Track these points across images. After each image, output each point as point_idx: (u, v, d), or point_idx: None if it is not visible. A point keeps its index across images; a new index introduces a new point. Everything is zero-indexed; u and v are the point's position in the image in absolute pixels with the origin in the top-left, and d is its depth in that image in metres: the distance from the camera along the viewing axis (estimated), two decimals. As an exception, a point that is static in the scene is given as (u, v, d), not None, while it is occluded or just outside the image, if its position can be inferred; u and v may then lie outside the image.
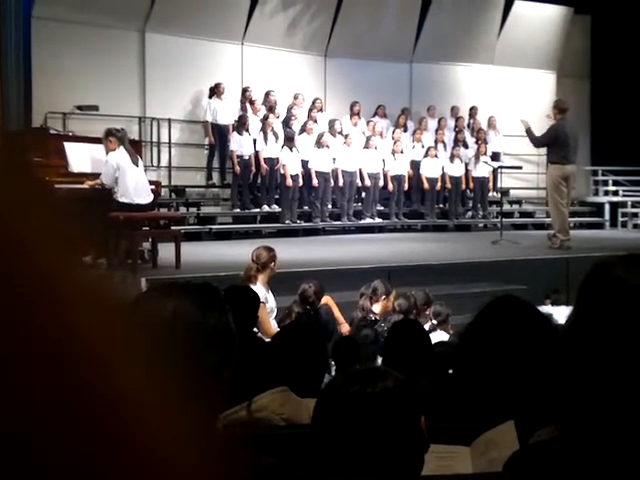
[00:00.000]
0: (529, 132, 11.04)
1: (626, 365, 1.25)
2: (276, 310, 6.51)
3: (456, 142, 14.53)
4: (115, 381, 0.40)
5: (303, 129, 12.99)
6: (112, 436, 0.39)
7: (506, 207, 14.83)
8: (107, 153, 8.22)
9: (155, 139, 12.82)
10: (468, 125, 15.23)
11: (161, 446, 0.41)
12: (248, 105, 12.88)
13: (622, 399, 1.25)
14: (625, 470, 1.23)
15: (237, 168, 12.37)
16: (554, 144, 10.66)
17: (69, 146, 8.79)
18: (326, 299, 6.46)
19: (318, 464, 1.59)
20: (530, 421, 1.51)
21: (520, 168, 13.92)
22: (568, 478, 1.28)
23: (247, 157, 12.43)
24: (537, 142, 11.19)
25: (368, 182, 13.37)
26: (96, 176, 8.28)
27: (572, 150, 10.62)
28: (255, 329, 5.17)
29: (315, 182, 12.77)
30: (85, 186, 8.15)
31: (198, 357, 1.42)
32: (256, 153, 12.50)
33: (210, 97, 12.81)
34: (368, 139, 13.41)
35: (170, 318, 1.49)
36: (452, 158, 14.29)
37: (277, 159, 12.55)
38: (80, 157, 8.74)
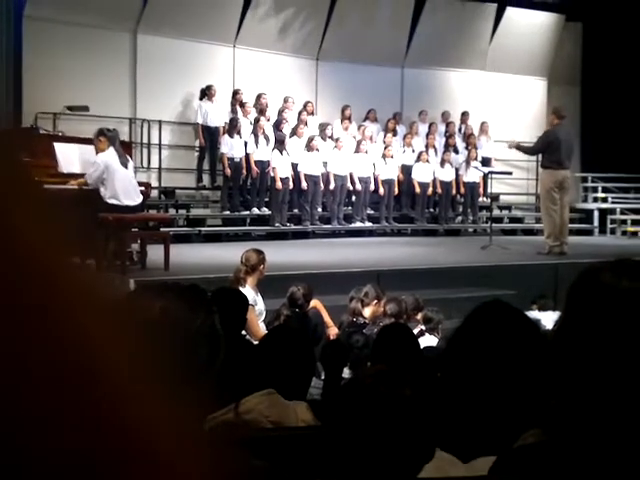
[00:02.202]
0: (520, 148, 11.12)
1: (614, 370, 1.25)
2: (265, 313, 6.50)
3: (447, 147, 14.57)
4: (108, 380, 0.40)
5: (294, 132, 13.00)
6: (105, 435, 0.39)
7: (496, 212, 14.88)
8: (97, 153, 8.20)
9: (145, 140, 12.81)
10: (459, 130, 15.27)
11: (152, 445, 0.41)
12: (238, 108, 12.88)
13: (609, 404, 1.25)
14: (610, 475, 1.23)
15: (227, 170, 12.37)
16: (547, 149, 10.71)
17: (59, 146, 8.75)
18: (315, 302, 6.46)
19: (325, 459, 1.59)
20: (515, 424, 1.51)
21: (510, 174, 13.97)
22: (554, 482, 1.28)
23: (238, 159, 12.43)
24: (532, 151, 11.27)
25: (359, 186, 13.39)
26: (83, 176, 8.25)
27: (565, 156, 10.66)
28: (244, 331, 5.16)
29: (304, 185, 12.79)
30: (74, 186, 8.11)
31: (185, 356, 1.41)
32: (247, 156, 12.50)
33: (201, 99, 12.80)
34: (359, 143, 13.43)
35: (157, 318, 1.49)
36: (443, 163, 14.33)
37: (268, 162, 12.55)
38: (70, 157, 8.71)
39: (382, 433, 1.54)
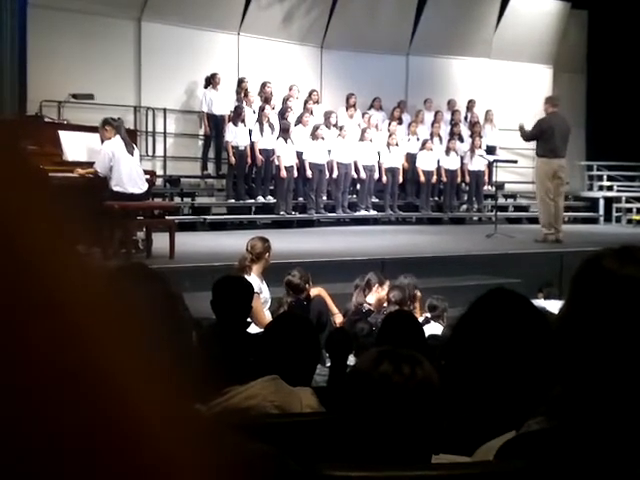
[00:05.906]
0: (521, 128, 11.11)
1: (617, 356, 1.26)
2: (270, 300, 6.51)
3: (452, 135, 14.53)
4: (112, 377, 0.40)
5: (299, 121, 12.98)
6: (108, 425, 0.39)
7: (501, 201, 14.83)
8: (102, 142, 8.20)
9: (150, 129, 12.80)
10: (465, 118, 15.22)
11: (153, 438, 0.41)
12: (243, 96, 12.86)
13: (613, 390, 1.26)
14: (613, 461, 1.24)
15: (232, 159, 12.36)
16: (541, 137, 10.71)
17: (64, 135, 8.76)
18: (319, 290, 6.46)
19: (330, 445, 1.60)
20: (520, 412, 1.51)
21: (515, 162, 13.94)
22: (557, 468, 1.28)
23: (242, 148, 12.42)
24: (526, 136, 11.25)
25: (363, 174, 13.37)
26: (90, 165, 8.26)
27: (559, 144, 10.64)
28: (249, 319, 5.17)
29: (309, 174, 12.79)
30: (77, 175, 8.13)
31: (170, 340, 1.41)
32: (251, 144, 12.49)
33: (206, 87, 12.78)
34: (363, 131, 13.41)
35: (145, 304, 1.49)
36: (448, 151, 14.30)
37: (273, 150, 12.54)
38: (75, 146, 8.72)
39: (390, 417, 1.54)
